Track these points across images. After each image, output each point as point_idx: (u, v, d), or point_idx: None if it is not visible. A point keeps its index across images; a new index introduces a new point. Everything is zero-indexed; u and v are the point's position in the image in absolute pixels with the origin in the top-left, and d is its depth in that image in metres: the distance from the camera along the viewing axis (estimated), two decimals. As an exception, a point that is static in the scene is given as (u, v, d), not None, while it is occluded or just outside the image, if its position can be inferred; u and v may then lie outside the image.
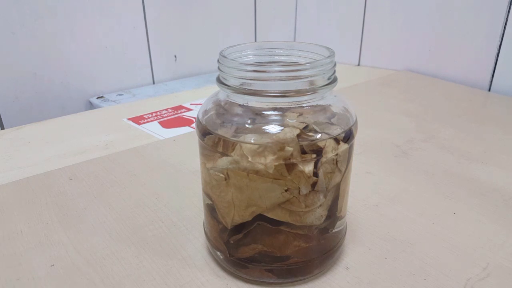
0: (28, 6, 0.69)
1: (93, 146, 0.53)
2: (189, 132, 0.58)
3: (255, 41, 1.03)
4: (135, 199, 0.41)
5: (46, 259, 0.33)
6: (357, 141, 0.41)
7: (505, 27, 0.71)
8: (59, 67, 0.75)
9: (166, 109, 0.68)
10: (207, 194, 0.30)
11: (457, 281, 0.30)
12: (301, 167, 0.26)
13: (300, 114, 0.27)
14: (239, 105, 0.28)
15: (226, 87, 0.27)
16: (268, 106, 0.27)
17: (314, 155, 0.26)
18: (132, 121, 0.62)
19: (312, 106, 0.28)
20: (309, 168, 0.26)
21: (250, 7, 0.98)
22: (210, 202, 0.30)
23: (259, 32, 1.02)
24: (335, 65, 0.28)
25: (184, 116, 0.64)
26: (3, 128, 0.72)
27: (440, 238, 0.35)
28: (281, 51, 0.31)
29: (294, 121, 0.27)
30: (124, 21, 0.80)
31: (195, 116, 0.61)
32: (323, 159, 0.26)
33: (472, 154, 0.50)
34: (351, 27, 0.95)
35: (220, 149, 0.27)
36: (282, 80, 0.26)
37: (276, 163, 0.25)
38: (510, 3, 0.69)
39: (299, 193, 0.26)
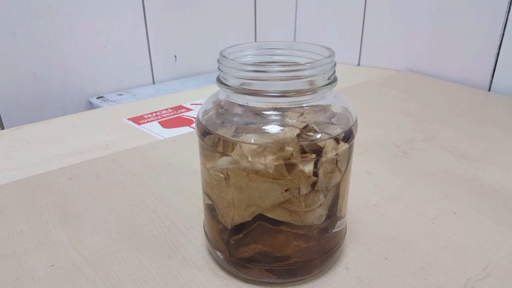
0: (28, 6, 0.69)
1: (93, 146, 0.53)
2: (189, 132, 0.58)
3: (255, 41, 1.03)
4: (135, 199, 0.41)
5: (46, 259, 0.33)
6: (357, 141, 0.41)
7: (505, 27, 0.71)
8: (59, 67, 0.75)
9: (166, 109, 0.68)
10: (207, 194, 0.30)
11: (457, 281, 0.30)
12: (301, 167, 0.26)
13: (301, 114, 0.27)
14: (239, 105, 0.28)
15: (226, 87, 0.27)
16: (268, 106, 0.27)
17: (314, 155, 0.26)
18: (132, 121, 0.62)
19: (312, 106, 0.28)
20: (309, 168, 0.26)
21: (250, 7, 0.98)
22: (210, 202, 0.30)
23: (259, 32, 1.02)
24: (335, 65, 0.28)
25: (184, 116, 0.64)
26: (3, 128, 0.72)
27: (440, 238, 0.35)
28: (281, 51, 0.31)
29: (294, 121, 0.27)
30: (124, 21, 0.80)
31: (195, 116, 0.61)
32: (323, 159, 0.26)
33: (472, 154, 0.50)
34: (351, 27, 0.95)
35: (220, 149, 0.27)
36: (282, 80, 0.26)
37: (276, 163, 0.25)
38: (510, 3, 0.69)
39: (299, 193, 0.26)
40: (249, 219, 0.28)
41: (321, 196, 0.27)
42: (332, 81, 0.28)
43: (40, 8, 0.70)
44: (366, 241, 0.34)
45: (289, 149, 0.25)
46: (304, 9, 1.04)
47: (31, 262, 0.32)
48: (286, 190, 0.26)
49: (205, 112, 0.29)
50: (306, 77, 0.26)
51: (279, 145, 0.25)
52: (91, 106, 0.79)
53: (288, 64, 0.28)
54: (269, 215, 0.27)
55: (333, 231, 0.30)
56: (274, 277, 0.29)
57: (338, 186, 0.28)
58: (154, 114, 0.65)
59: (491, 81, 0.75)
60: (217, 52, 0.29)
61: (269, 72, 0.26)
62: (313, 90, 0.26)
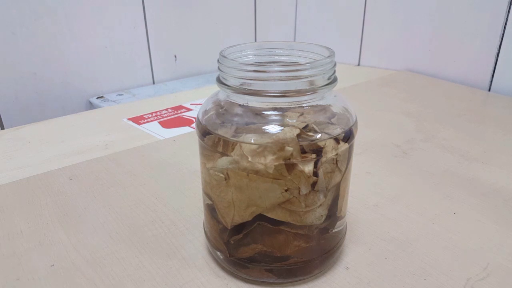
0: (28, 6, 0.69)
1: (93, 146, 0.53)
2: (189, 132, 0.58)
3: (255, 41, 1.03)
4: (135, 199, 0.41)
5: (46, 259, 0.33)
6: (357, 141, 0.41)
7: (505, 27, 0.71)
8: (59, 67, 0.75)
9: (166, 109, 0.68)
10: (207, 194, 0.30)
11: (457, 281, 0.30)
12: (301, 167, 0.26)
13: (301, 114, 0.27)
14: (239, 105, 0.28)
15: (226, 87, 0.27)
16: (268, 106, 0.27)
17: (314, 155, 0.26)
18: (132, 121, 0.62)
19: (312, 106, 0.28)
20: (309, 168, 0.26)
21: (250, 7, 0.98)
22: (210, 202, 0.30)
23: (259, 32, 1.02)
24: (335, 65, 0.28)
25: (184, 116, 0.64)
26: (3, 128, 0.72)
27: (440, 238, 0.35)
28: (281, 51, 0.31)
29: (294, 121, 0.27)
30: (124, 21, 0.80)
31: (195, 116, 0.61)
32: (323, 159, 0.26)
33: (472, 154, 0.50)
34: (351, 27, 0.95)
35: (220, 149, 0.27)
36: (282, 80, 0.26)
37: (276, 163, 0.25)
38: (510, 3, 0.69)
39: (299, 193, 0.26)
40: (249, 219, 0.28)
41: (321, 196, 0.27)
42: (332, 81, 0.28)
43: (40, 8, 0.70)
44: (366, 241, 0.34)
45: (289, 149, 0.25)
46: (304, 9, 1.04)
47: (31, 262, 0.32)
48: (286, 190, 0.26)
49: (205, 112, 0.29)
50: (306, 77, 0.26)
51: (279, 145, 0.25)
52: (91, 106, 0.79)
53: (288, 64, 0.28)
54: (269, 215, 0.27)
55: (333, 231, 0.30)
56: (274, 277, 0.29)
57: (338, 186, 0.28)
58: (154, 114, 0.65)
59: (491, 81, 0.75)
60: (217, 52, 0.29)
61: (269, 72, 0.26)
62: (313, 90, 0.26)
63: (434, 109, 0.65)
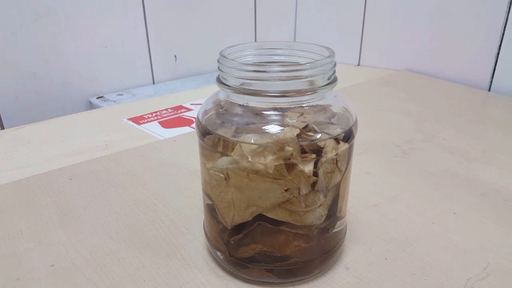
0: (28, 6, 0.69)
1: (93, 146, 0.53)
2: (189, 132, 0.58)
3: (255, 41, 1.03)
4: (135, 199, 0.41)
5: (46, 259, 0.33)
6: (357, 141, 0.41)
7: (505, 27, 0.71)
8: (59, 67, 0.75)
9: (166, 109, 0.68)
10: (207, 194, 0.30)
11: (457, 281, 0.30)
12: (301, 167, 0.26)
13: (301, 114, 0.27)
14: (239, 105, 0.28)
15: (226, 87, 0.27)
16: (268, 106, 0.27)
17: (314, 155, 0.26)
18: (132, 121, 0.62)
19: (312, 106, 0.28)
20: (309, 168, 0.26)
21: (250, 7, 0.98)
22: (210, 202, 0.30)
23: (259, 32, 1.02)
24: (335, 65, 0.28)
25: (184, 116, 0.64)
26: (3, 128, 0.72)
27: (440, 238, 0.35)
28: (281, 51, 0.31)
29: (294, 121, 0.27)
30: (124, 21, 0.80)
31: (195, 116, 0.61)
32: (323, 159, 0.26)
33: (472, 154, 0.50)
34: (351, 27, 0.95)
35: (220, 149, 0.27)
36: (282, 80, 0.26)
37: (276, 163, 0.25)
38: (510, 3, 0.69)
39: (299, 193, 0.26)
40: (249, 219, 0.28)
41: (321, 196, 0.27)
42: (332, 81, 0.28)
43: (40, 8, 0.70)
44: (366, 241, 0.34)
45: (289, 149, 0.25)
46: (304, 9, 1.04)
47: (31, 262, 0.32)
48: (286, 190, 0.26)
49: (205, 112, 0.29)
50: (306, 77, 0.26)
51: (279, 145, 0.25)
52: (91, 106, 0.79)
53: (288, 64, 0.28)
54: (269, 215, 0.27)
55: (333, 231, 0.30)
56: (274, 277, 0.29)
57: (338, 186, 0.29)
58: (154, 114, 0.65)
59: (491, 81, 0.75)
60: (217, 52, 0.29)
61: (269, 72, 0.26)
62: (313, 90, 0.26)
63: (434, 109, 0.65)
